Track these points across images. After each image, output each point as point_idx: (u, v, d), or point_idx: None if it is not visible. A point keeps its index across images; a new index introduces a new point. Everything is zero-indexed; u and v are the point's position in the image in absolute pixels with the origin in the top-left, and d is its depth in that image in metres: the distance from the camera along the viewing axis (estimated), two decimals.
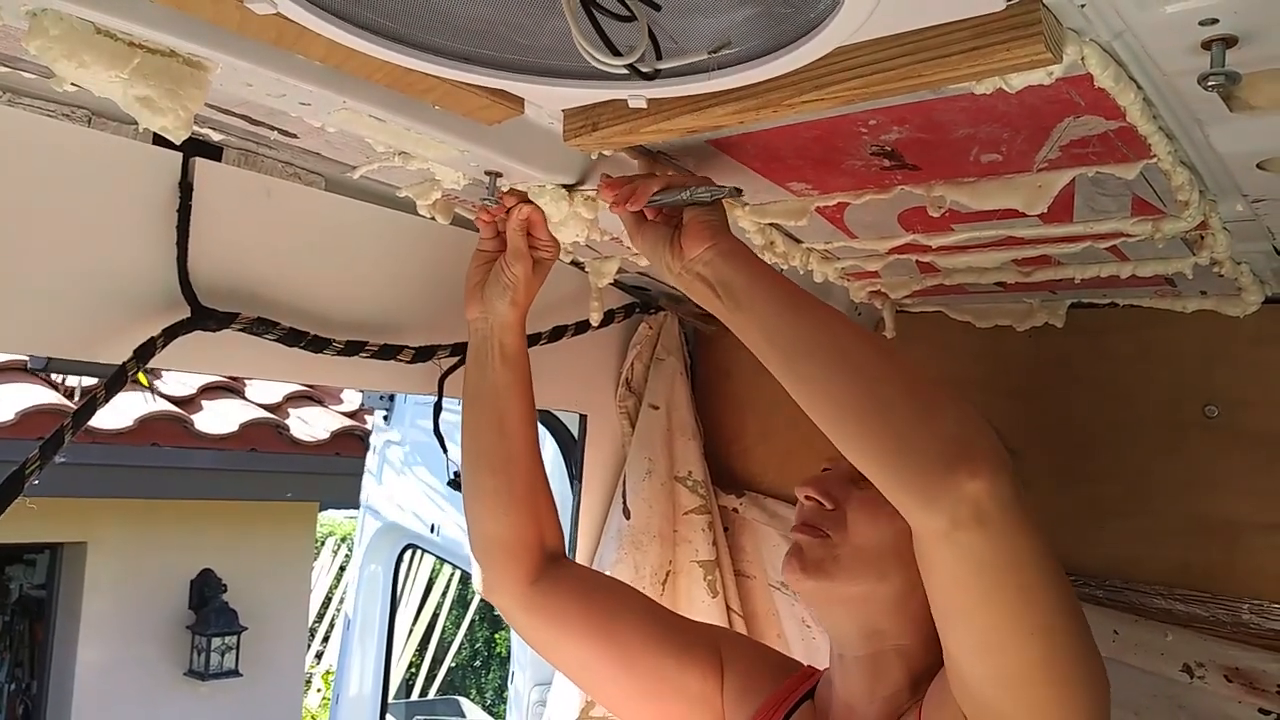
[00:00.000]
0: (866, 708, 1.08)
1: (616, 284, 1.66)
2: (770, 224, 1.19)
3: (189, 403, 4.69)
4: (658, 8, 0.60)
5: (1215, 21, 0.61)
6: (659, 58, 0.66)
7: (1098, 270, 1.19)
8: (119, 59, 0.74)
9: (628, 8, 0.59)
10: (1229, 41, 0.61)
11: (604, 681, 1.24)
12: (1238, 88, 0.70)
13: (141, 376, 4.24)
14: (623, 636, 1.21)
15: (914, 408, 0.87)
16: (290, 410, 5.15)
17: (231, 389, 5.00)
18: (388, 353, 1.29)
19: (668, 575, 1.67)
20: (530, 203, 1.13)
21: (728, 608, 1.69)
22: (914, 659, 1.07)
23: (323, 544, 9.97)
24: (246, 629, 5.26)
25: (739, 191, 1.00)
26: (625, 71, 0.64)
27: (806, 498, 1.13)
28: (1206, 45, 0.62)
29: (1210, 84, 0.62)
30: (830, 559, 1.08)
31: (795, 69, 0.72)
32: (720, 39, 0.64)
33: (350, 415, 5.31)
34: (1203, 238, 1.04)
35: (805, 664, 1.26)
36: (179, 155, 1.10)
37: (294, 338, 1.19)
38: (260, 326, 1.15)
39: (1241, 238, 1.05)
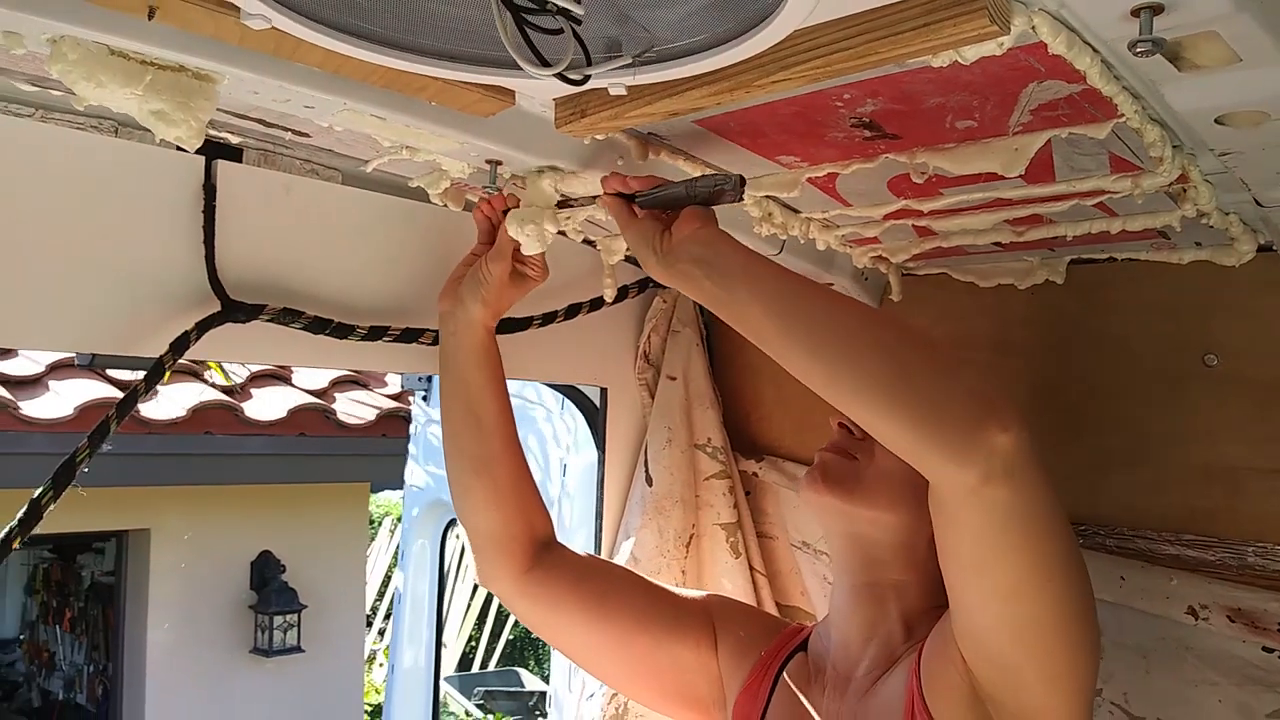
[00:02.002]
0: (862, 649, 1.12)
1: (629, 260, 1.71)
2: (766, 196, 1.23)
3: (238, 391, 4.84)
4: (578, 21, 0.66)
5: None
6: (589, 63, 0.71)
7: (1088, 227, 1.20)
8: (133, 77, 0.80)
9: (556, 19, 0.65)
10: (1156, 9, 0.64)
11: (602, 661, 1.29)
12: (1181, 49, 0.73)
13: (215, 366, 4.43)
14: (616, 615, 1.25)
15: (936, 369, 0.89)
16: (336, 395, 5.28)
17: (279, 376, 5.13)
18: (409, 336, 1.35)
19: (691, 538, 1.72)
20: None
21: (751, 568, 1.74)
22: (909, 600, 1.11)
23: (379, 524, 10.17)
24: (306, 607, 5.44)
25: (743, 181, 1.00)
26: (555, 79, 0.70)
27: (840, 424, 1.17)
28: (1135, 13, 0.65)
29: (1139, 50, 0.65)
30: (853, 477, 1.12)
31: (757, 54, 0.77)
32: (646, 44, 0.70)
33: (394, 398, 5.42)
34: (1185, 190, 1.05)
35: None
36: (201, 159, 1.16)
37: (319, 325, 1.25)
38: (287, 316, 1.22)
39: (1225, 189, 1.07)
